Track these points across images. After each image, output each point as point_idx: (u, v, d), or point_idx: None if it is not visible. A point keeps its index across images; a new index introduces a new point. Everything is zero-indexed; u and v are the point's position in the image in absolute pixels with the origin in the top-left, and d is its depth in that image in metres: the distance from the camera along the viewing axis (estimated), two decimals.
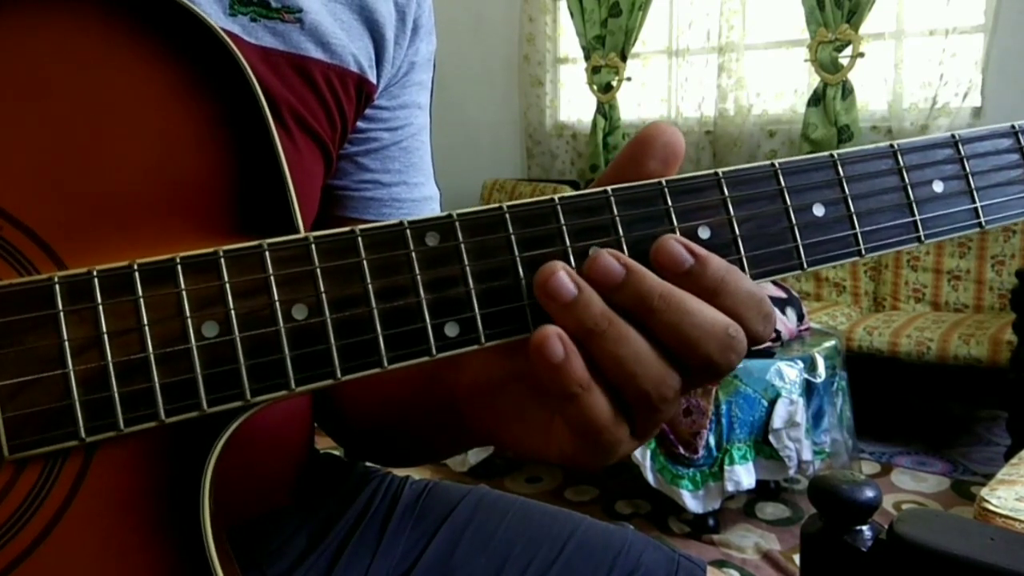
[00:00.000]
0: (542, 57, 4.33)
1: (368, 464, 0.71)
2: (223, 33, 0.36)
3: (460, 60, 4.18)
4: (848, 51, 3.35)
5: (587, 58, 4.10)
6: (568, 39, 4.29)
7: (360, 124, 0.60)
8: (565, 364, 0.34)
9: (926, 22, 3.23)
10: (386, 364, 0.35)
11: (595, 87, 4.09)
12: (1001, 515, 1.31)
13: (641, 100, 4.07)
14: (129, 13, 0.36)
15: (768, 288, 2.36)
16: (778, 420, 2.14)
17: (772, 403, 2.15)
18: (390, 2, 0.59)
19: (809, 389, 2.24)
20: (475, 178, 4.37)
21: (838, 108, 3.35)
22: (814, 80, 3.47)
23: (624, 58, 3.99)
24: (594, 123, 4.10)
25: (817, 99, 3.42)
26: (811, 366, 2.25)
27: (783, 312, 2.35)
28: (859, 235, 0.40)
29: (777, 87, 3.69)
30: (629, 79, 4.04)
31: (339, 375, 0.35)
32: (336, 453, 0.71)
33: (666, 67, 3.95)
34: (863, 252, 0.40)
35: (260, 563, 0.60)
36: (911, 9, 3.28)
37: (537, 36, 4.32)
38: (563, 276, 0.35)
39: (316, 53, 0.54)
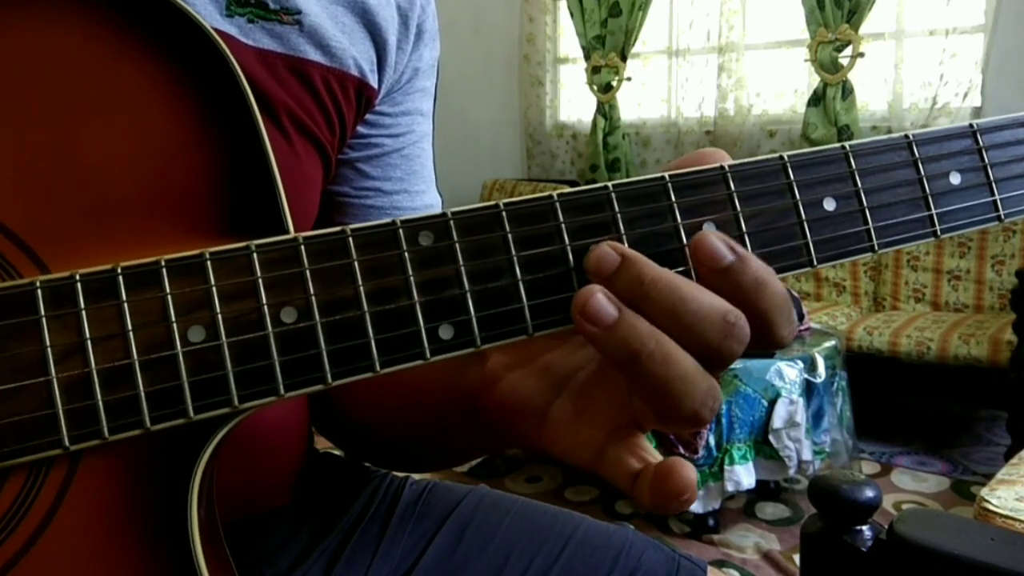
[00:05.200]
0: (542, 57, 4.33)
1: (370, 465, 0.71)
2: (210, 28, 0.35)
3: (460, 60, 4.18)
4: (848, 51, 3.35)
5: (587, 58, 4.09)
6: (568, 39, 4.28)
7: (362, 130, 0.60)
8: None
9: (926, 22, 3.23)
10: (378, 368, 0.34)
11: (595, 87, 4.08)
12: (1001, 515, 1.31)
13: (641, 100, 4.07)
14: (114, 10, 0.35)
15: None
16: (778, 420, 2.13)
17: (772, 403, 2.15)
18: (392, 6, 0.58)
19: (809, 389, 2.24)
20: (475, 178, 4.37)
21: (838, 108, 3.35)
22: (814, 80, 3.47)
23: (624, 58, 3.99)
24: (594, 123, 4.09)
25: (817, 99, 3.42)
26: (811, 366, 2.25)
27: None
28: (872, 230, 0.38)
29: (777, 87, 3.69)
30: (629, 79, 4.04)
31: (330, 380, 0.34)
32: (336, 453, 0.71)
33: (666, 67, 3.95)
34: (876, 248, 0.38)
35: (259, 563, 0.60)
36: (911, 9, 3.28)
37: (537, 36, 4.31)
38: (602, 298, 0.33)
39: (315, 56, 0.53)
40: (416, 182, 0.63)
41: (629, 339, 0.33)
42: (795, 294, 2.50)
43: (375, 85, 0.58)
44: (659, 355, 0.33)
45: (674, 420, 0.34)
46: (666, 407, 0.33)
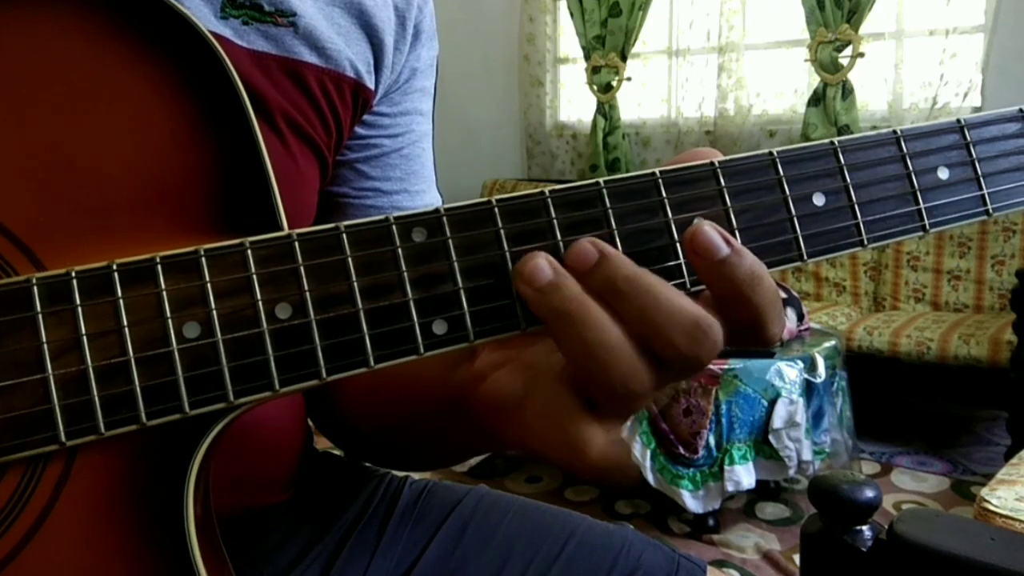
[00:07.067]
0: (542, 57, 4.33)
1: (368, 463, 0.71)
2: (205, 30, 0.36)
3: (460, 60, 4.18)
4: (848, 51, 3.34)
5: (587, 58, 4.09)
6: (568, 39, 4.28)
7: (360, 131, 0.60)
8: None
9: (926, 22, 3.23)
10: (372, 364, 0.34)
11: (595, 87, 4.08)
12: (1001, 515, 1.31)
13: (641, 100, 4.07)
14: (110, 11, 0.35)
15: None
16: (778, 420, 2.13)
17: (772, 403, 2.15)
18: (389, 7, 0.58)
19: (809, 389, 2.23)
20: (475, 178, 4.37)
21: (838, 108, 3.35)
22: (814, 80, 3.46)
23: (624, 58, 3.99)
24: (594, 123, 4.09)
25: (817, 99, 3.42)
26: (811, 366, 2.25)
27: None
28: (861, 225, 0.38)
29: (777, 87, 3.69)
30: (629, 79, 4.04)
31: (324, 375, 0.34)
32: (336, 452, 0.71)
33: (666, 67, 3.95)
34: (865, 242, 0.39)
35: (257, 562, 0.60)
36: (911, 9, 3.28)
37: (537, 36, 4.31)
38: (542, 262, 0.34)
39: (310, 57, 0.53)
40: (416, 182, 0.63)
41: (557, 301, 0.34)
42: (795, 294, 2.50)
43: (371, 86, 0.58)
44: (580, 318, 0.33)
45: (599, 389, 0.34)
46: (589, 373, 0.34)
